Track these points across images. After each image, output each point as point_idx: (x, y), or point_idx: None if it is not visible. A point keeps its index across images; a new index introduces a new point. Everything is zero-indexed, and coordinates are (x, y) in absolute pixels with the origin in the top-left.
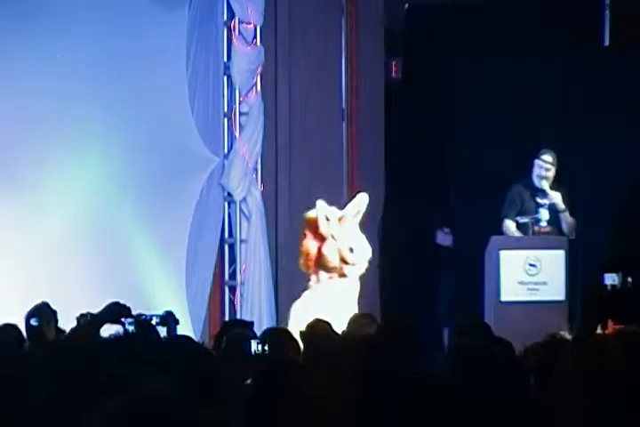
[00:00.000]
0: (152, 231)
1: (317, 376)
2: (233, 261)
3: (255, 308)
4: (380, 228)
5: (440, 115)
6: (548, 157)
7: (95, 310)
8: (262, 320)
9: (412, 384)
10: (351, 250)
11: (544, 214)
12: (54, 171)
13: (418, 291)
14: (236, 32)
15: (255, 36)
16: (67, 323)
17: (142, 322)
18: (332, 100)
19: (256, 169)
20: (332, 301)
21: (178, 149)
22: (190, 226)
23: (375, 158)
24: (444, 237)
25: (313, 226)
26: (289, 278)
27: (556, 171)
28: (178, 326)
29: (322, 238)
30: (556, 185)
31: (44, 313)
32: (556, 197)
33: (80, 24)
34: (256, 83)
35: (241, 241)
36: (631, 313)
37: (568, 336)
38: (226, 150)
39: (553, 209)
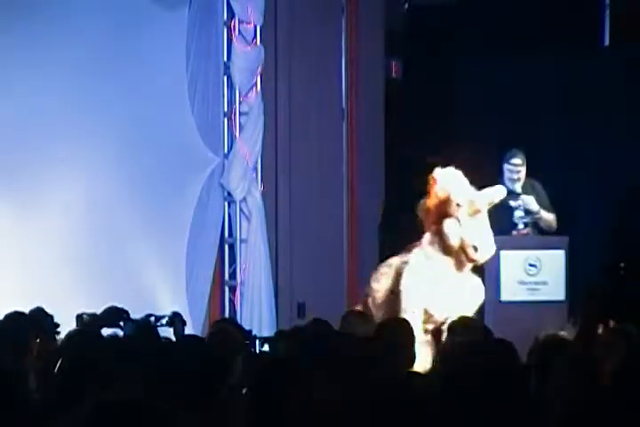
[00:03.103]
0: (152, 231)
1: (318, 377)
2: (233, 260)
3: (255, 308)
4: (380, 226)
5: (440, 115)
6: (517, 160)
7: (95, 310)
8: (262, 320)
9: (408, 385)
10: (475, 248)
11: (519, 216)
12: (54, 171)
13: None
14: (236, 32)
15: (255, 36)
16: (66, 323)
17: (141, 324)
18: (332, 100)
19: (256, 169)
20: (447, 288)
21: (178, 149)
22: (190, 226)
23: (375, 158)
24: None
25: (441, 200)
26: (289, 278)
27: (557, 170)
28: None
29: (445, 214)
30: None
31: (40, 320)
32: (528, 200)
33: (80, 24)
34: (256, 83)
35: (241, 241)
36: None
37: (568, 336)
38: (226, 150)
39: (528, 212)
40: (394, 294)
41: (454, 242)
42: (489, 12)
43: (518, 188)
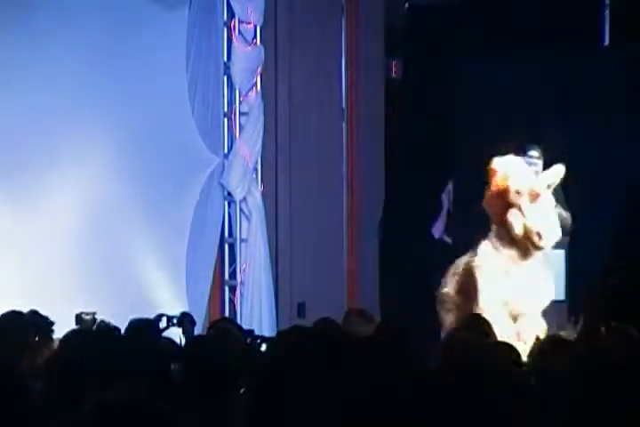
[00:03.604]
0: (152, 231)
1: (320, 377)
2: (233, 260)
3: (255, 307)
4: (380, 226)
5: (440, 114)
6: (534, 153)
7: (94, 310)
8: (262, 320)
9: (409, 384)
10: (539, 235)
11: None
12: (53, 171)
13: (418, 289)
14: (236, 32)
15: (255, 36)
16: (66, 323)
17: (143, 324)
18: (332, 100)
19: (256, 169)
20: (516, 280)
21: (178, 149)
22: (190, 226)
23: (375, 158)
24: (437, 229)
25: (500, 190)
26: (289, 277)
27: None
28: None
29: (508, 204)
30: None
31: (37, 320)
32: None
33: (80, 23)
34: (256, 83)
35: (241, 241)
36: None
37: (568, 336)
38: (226, 150)
39: None
40: (464, 294)
41: (518, 231)
42: (489, 12)
43: None
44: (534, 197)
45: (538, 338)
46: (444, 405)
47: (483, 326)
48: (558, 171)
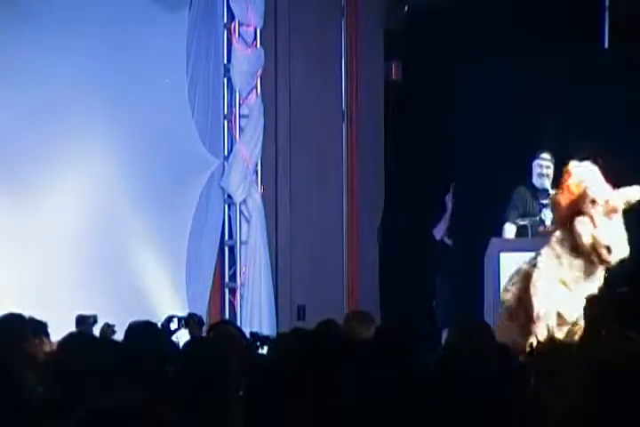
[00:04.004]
0: (153, 233)
1: (319, 379)
2: (233, 262)
3: (255, 309)
4: (379, 228)
5: (440, 116)
6: (546, 155)
7: (95, 312)
8: (262, 322)
9: (409, 385)
10: (608, 249)
11: (548, 214)
12: (54, 173)
13: (417, 292)
14: (236, 34)
15: (255, 39)
16: (66, 324)
17: (144, 326)
18: (332, 101)
19: (256, 171)
20: (574, 290)
21: (178, 152)
22: (191, 228)
23: (375, 160)
24: (439, 230)
25: (575, 196)
26: (289, 280)
27: (556, 170)
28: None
29: (578, 211)
30: (555, 184)
31: (32, 327)
32: None
33: (81, 27)
34: (256, 85)
35: (241, 243)
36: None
37: (569, 338)
38: (226, 152)
39: None
40: (522, 304)
41: (586, 241)
42: (488, 14)
43: (547, 184)
44: (610, 210)
45: (538, 340)
46: (443, 405)
47: (484, 331)
48: (639, 189)
